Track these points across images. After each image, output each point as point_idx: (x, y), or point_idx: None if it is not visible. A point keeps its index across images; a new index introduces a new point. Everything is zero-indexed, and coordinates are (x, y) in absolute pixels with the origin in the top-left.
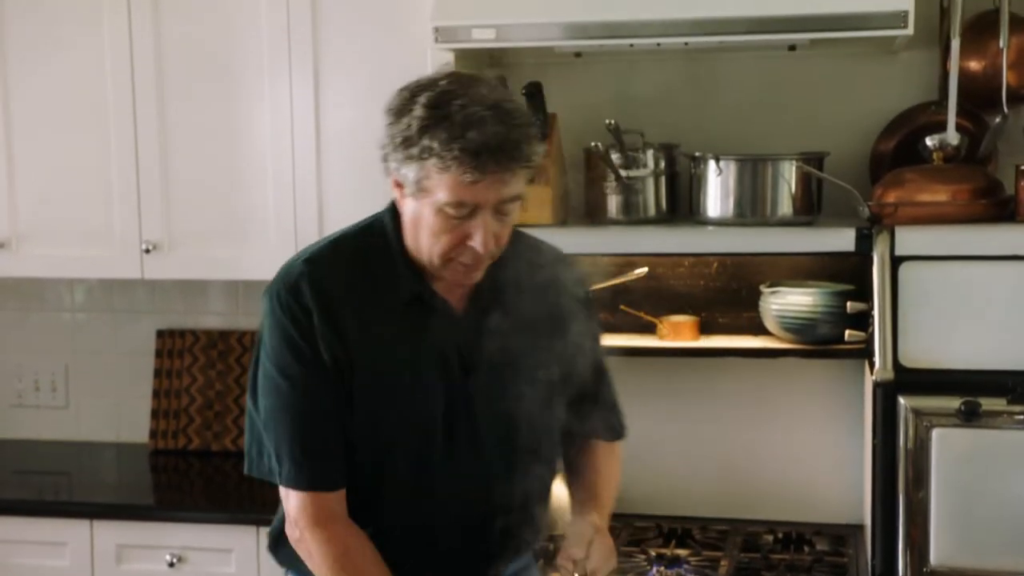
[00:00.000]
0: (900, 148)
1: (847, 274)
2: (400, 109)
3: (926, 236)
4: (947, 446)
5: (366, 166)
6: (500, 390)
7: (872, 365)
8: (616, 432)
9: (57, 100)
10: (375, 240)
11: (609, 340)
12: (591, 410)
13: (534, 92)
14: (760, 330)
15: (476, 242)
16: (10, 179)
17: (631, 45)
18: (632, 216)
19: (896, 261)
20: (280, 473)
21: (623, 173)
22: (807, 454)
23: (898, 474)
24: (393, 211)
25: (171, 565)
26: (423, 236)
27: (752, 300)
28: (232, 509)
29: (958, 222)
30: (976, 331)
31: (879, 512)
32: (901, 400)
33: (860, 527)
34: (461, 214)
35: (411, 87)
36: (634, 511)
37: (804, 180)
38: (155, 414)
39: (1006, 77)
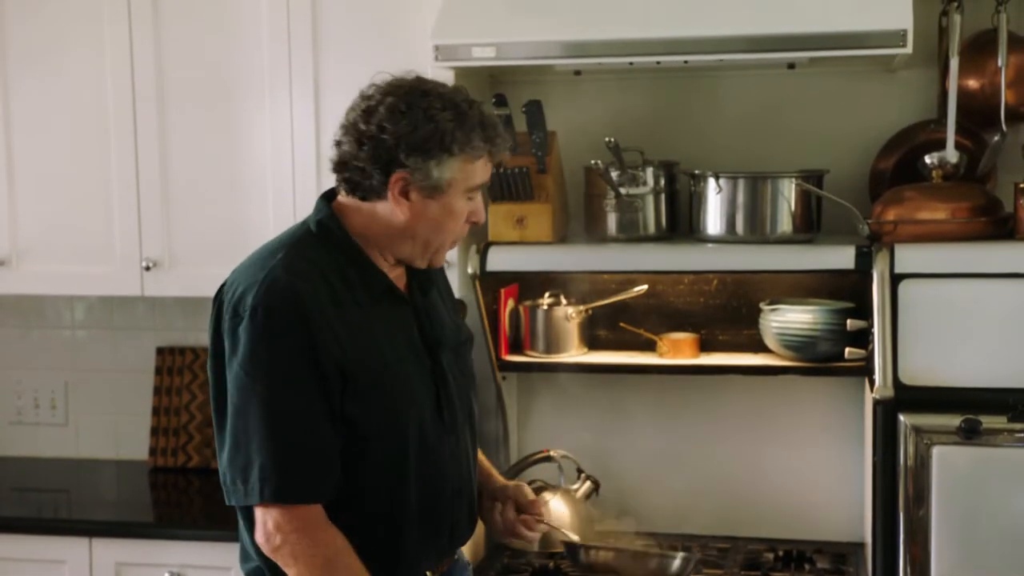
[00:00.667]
0: (899, 166)
1: (847, 292)
2: (411, 119)
3: (926, 254)
4: (948, 464)
5: None
6: (456, 364)
7: (872, 382)
8: None
9: (58, 117)
10: (328, 242)
11: (609, 358)
12: None
13: (534, 110)
14: (760, 347)
15: (481, 216)
16: (11, 196)
17: (631, 63)
18: (632, 234)
19: (896, 279)
20: (263, 490)
21: (623, 191)
22: (807, 471)
23: (898, 492)
24: (332, 216)
25: None
26: (437, 228)
27: (752, 317)
28: (231, 527)
29: (957, 240)
30: (976, 348)
31: (880, 530)
32: (901, 418)
33: (861, 545)
34: (477, 196)
35: (404, 99)
36: (634, 528)
37: (804, 198)
38: (155, 431)
39: (1005, 95)
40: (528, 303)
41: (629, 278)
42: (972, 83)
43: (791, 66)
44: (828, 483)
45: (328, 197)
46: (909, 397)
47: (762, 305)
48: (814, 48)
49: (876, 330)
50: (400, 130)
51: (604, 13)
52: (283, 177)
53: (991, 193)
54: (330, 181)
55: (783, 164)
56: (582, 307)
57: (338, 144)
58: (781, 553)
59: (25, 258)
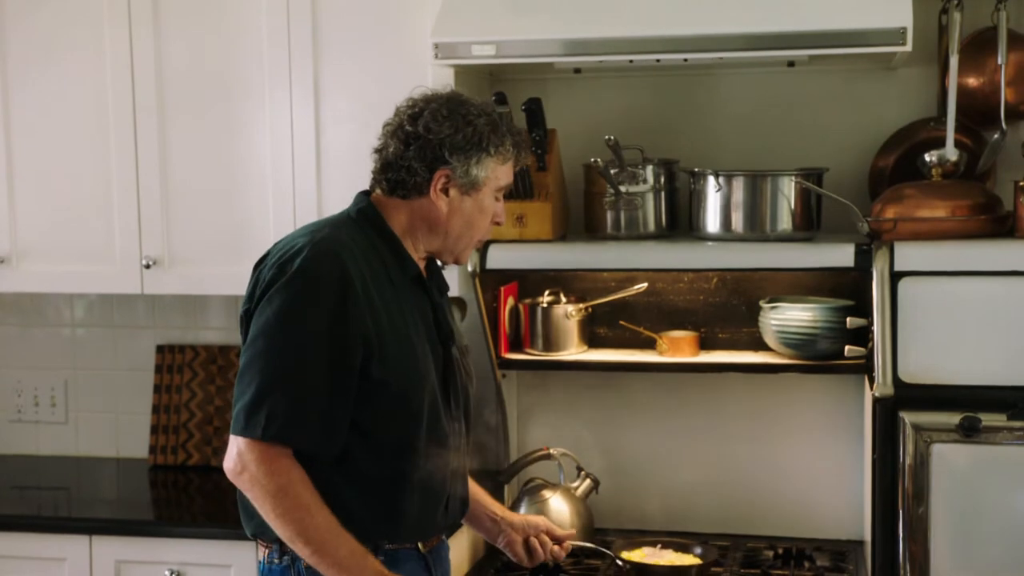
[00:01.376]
0: (899, 164)
1: (847, 290)
2: (454, 122)
3: (925, 252)
4: (947, 462)
5: (367, 182)
6: (461, 360)
7: (872, 380)
8: None
9: (58, 116)
10: (364, 229)
11: (609, 355)
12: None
13: (534, 108)
14: (760, 345)
15: (504, 216)
16: (10, 195)
17: (631, 61)
18: (631, 232)
19: (895, 277)
20: (266, 429)
21: (622, 189)
22: (807, 469)
23: (898, 490)
24: (372, 206)
25: None
26: (469, 224)
27: (752, 315)
28: (231, 525)
29: (957, 238)
30: (976, 346)
31: (879, 527)
32: (901, 415)
33: (860, 543)
34: (501, 196)
35: (447, 105)
36: (634, 527)
37: (803, 196)
38: (155, 429)
39: (1004, 93)
40: (528, 301)
41: (629, 276)
42: (972, 81)
43: (791, 64)
44: (828, 481)
45: (365, 194)
46: (909, 395)
47: (762, 303)
48: (814, 46)
49: (876, 328)
50: (444, 131)
51: (604, 11)
52: (283, 176)
53: (991, 191)
54: (329, 181)
55: (783, 162)
56: (582, 305)
57: (381, 149)
58: (781, 551)
59: (25, 256)
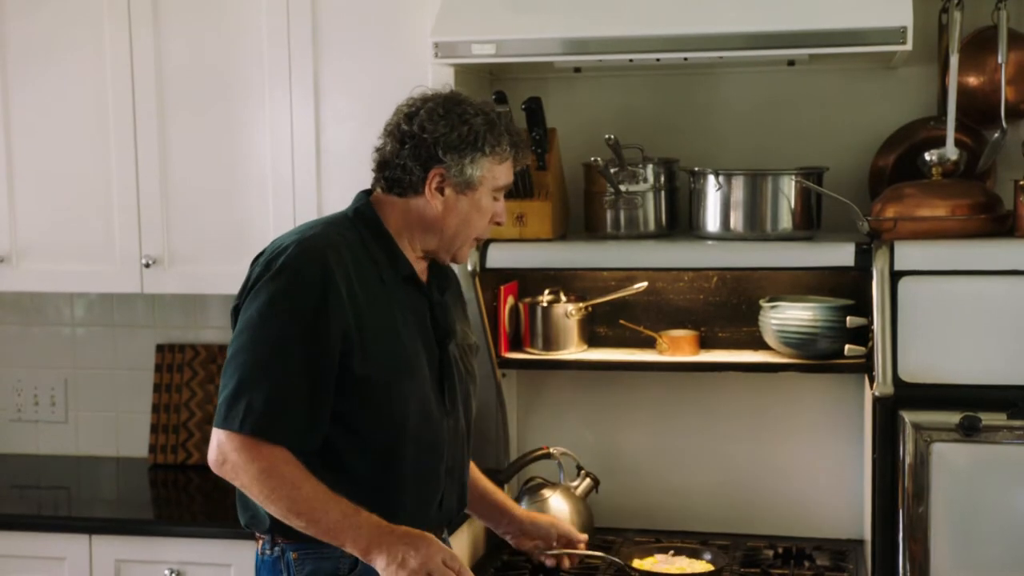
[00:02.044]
0: (899, 163)
1: (847, 289)
2: (449, 121)
3: (925, 251)
4: (947, 461)
5: (366, 181)
6: (461, 359)
7: (872, 380)
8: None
9: (58, 115)
10: (359, 228)
11: (609, 355)
12: None
13: (534, 107)
14: (760, 345)
15: (504, 217)
16: (10, 194)
17: (631, 60)
18: (631, 231)
19: (895, 276)
20: (244, 422)
21: (622, 188)
22: (807, 469)
23: (898, 489)
24: (369, 206)
25: None
26: (465, 223)
27: (752, 315)
28: (231, 524)
29: (957, 237)
30: (976, 346)
31: (879, 527)
32: (901, 415)
33: (860, 542)
34: (499, 196)
35: (443, 104)
36: (634, 525)
37: (803, 195)
38: (155, 428)
39: (1005, 92)
40: (528, 300)
41: (629, 275)
42: (972, 80)
43: (791, 63)
44: (828, 480)
45: (366, 193)
46: (909, 394)
47: (762, 302)
48: (814, 45)
49: (876, 327)
50: (439, 130)
51: (604, 10)
52: (283, 175)
53: (991, 190)
54: (329, 180)
55: (783, 161)
56: (582, 304)
57: (380, 148)
58: (780, 550)
59: (25, 256)
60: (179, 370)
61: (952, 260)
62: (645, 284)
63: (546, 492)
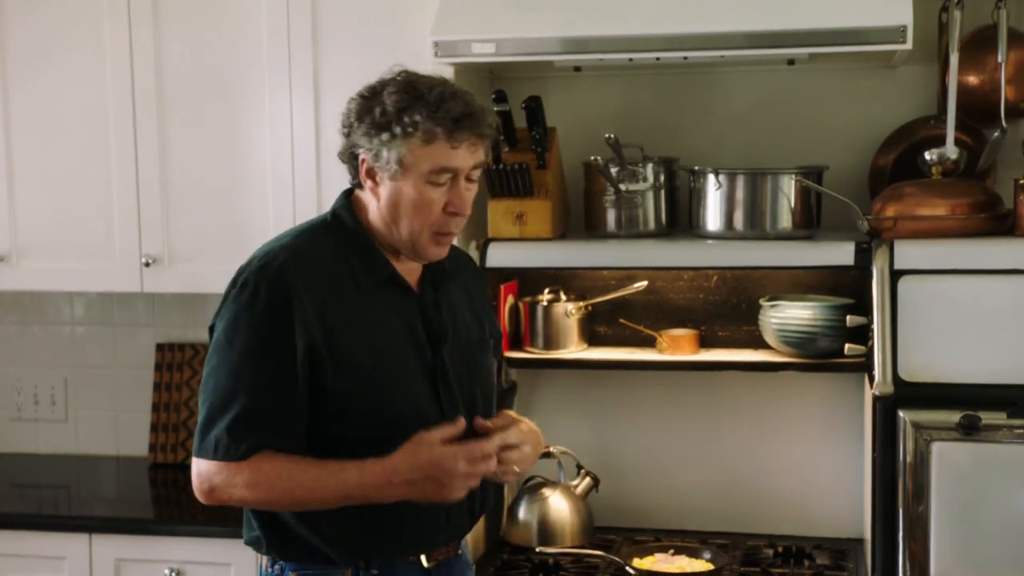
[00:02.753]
0: (899, 162)
1: (846, 288)
2: (367, 104)
3: (925, 250)
4: (947, 460)
5: None
6: (462, 359)
7: (872, 379)
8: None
9: (58, 114)
10: (337, 231)
11: (609, 354)
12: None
13: (534, 106)
14: (760, 344)
15: (459, 207)
16: (10, 193)
17: (631, 59)
18: (631, 230)
19: (895, 275)
20: (216, 449)
21: (622, 187)
22: (807, 468)
23: (898, 488)
24: (347, 207)
25: None
26: (404, 213)
27: (752, 314)
28: (231, 523)
29: (957, 236)
30: (976, 345)
31: (879, 526)
32: (901, 414)
33: (860, 541)
34: (442, 182)
35: (369, 87)
36: (634, 524)
37: (803, 194)
38: (154, 428)
39: (1004, 91)
40: (528, 299)
41: (629, 274)
42: (972, 79)
43: (791, 62)
44: (828, 479)
45: (347, 193)
46: (909, 393)
47: (762, 301)
48: (814, 44)
49: (876, 326)
50: (353, 115)
51: (604, 9)
52: (283, 174)
53: (991, 189)
54: (329, 178)
55: (783, 160)
56: (582, 303)
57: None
58: (780, 549)
59: (25, 254)
60: (179, 369)
61: (952, 259)
62: (645, 283)
63: (546, 491)
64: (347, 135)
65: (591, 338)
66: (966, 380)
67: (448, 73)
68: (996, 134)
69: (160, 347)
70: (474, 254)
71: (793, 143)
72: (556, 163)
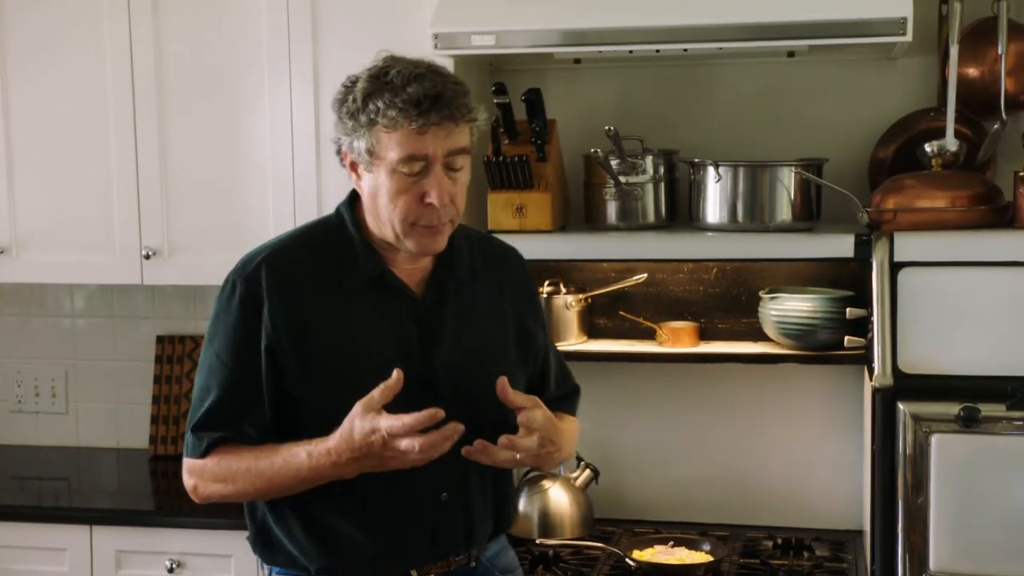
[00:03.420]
0: (899, 154)
1: (846, 280)
2: (344, 93)
3: (925, 242)
4: (946, 452)
5: None
6: (463, 367)
7: (871, 371)
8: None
9: (57, 106)
10: (334, 229)
11: (609, 346)
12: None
13: (534, 99)
14: (759, 336)
15: (433, 197)
16: (10, 185)
17: (630, 52)
18: (631, 222)
19: (895, 267)
20: (194, 447)
21: (622, 179)
22: (806, 460)
23: (897, 480)
24: (350, 202)
25: (170, 571)
26: (383, 205)
27: (751, 306)
28: (231, 515)
29: (957, 228)
30: (975, 337)
31: (878, 518)
32: (900, 406)
33: (860, 533)
34: (414, 170)
35: (351, 76)
36: (633, 516)
37: (803, 186)
38: (155, 420)
39: (1004, 84)
40: None
41: (628, 266)
42: (972, 71)
43: (791, 54)
44: (827, 471)
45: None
46: (908, 385)
47: (761, 293)
48: (814, 36)
49: (875, 318)
50: (336, 107)
51: (603, 1)
52: (282, 166)
53: (991, 181)
54: (329, 171)
55: (783, 152)
56: (582, 295)
57: None
58: (780, 541)
59: (25, 247)
60: (179, 361)
61: (952, 251)
62: (645, 275)
63: (546, 483)
64: (334, 128)
65: (591, 330)
66: (966, 372)
67: (448, 65)
68: (996, 126)
69: (160, 339)
70: None
71: (793, 135)
72: (556, 155)
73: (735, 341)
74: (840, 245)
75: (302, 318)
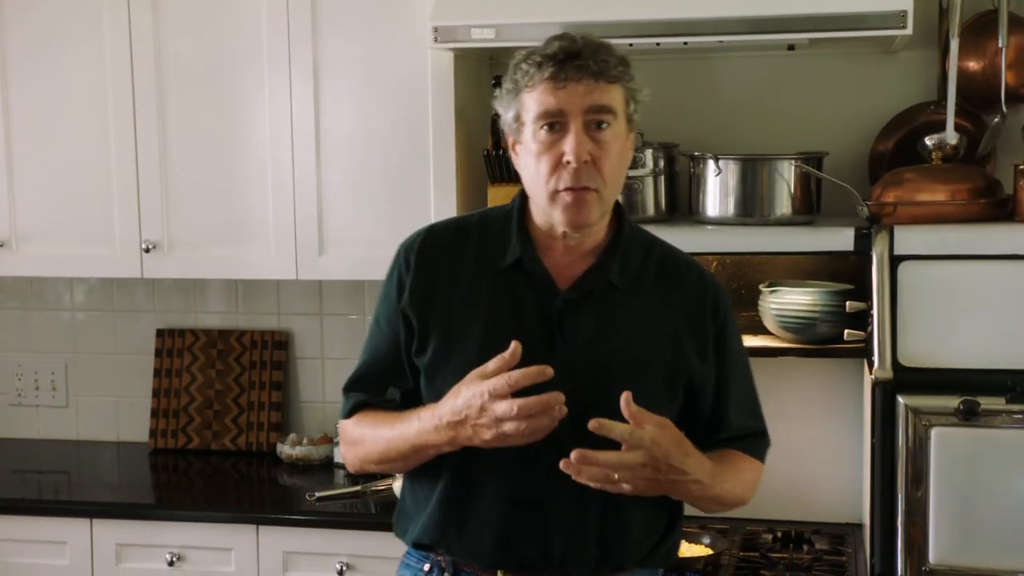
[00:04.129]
0: (899, 148)
1: (846, 274)
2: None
3: (925, 236)
4: (946, 445)
5: (365, 165)
6: (585, 374)
7: (871, 364)
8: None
9: (57, 100)
10: (503, 213)
11: None
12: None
13: None
14: (759, 329)
15: (568, 152)
16: (10, 179)
17: (630, 45)
18: (631, 215)
19: (895, 260)
20: (340, 405)
21: None
22: (806, 453)
23: (897, 473)
24: (521, 193)
25: (171, 564)
26: (530, 177)
27: (751, 299)
28: (231, 508)
29: (957, 222)
30: (975, 330)
31: (878, 511)
32: (900, 399)
33: (859, 526)
34: (553, 127)
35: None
36: None
37: (803, 180)
38: (155, 413)
39: (1005, 77)
40: None
41: None
42: (972, 64)
43: (791, 47)
44: (827, 464)
45: None
46: (908, 379)
47: (761, 287)
48: (814, 29)
49: (875, 312)
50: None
51: None
52: (282, 160)
53: (991, 175)
54: (329, 164)
55: (783, 146)
56: None
57: None
58: (779, 534)
59: (25, 240)
60: (179, 355)
61: (952, 245)
62: None
63: None
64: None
65: None
66: (965, 365)
67: (448, 58)
68: (996, 119)
69: (160, 333)
70: None
71: (793, 129)
72: None
73: None
74: (840, 238)
75: (432, 292)
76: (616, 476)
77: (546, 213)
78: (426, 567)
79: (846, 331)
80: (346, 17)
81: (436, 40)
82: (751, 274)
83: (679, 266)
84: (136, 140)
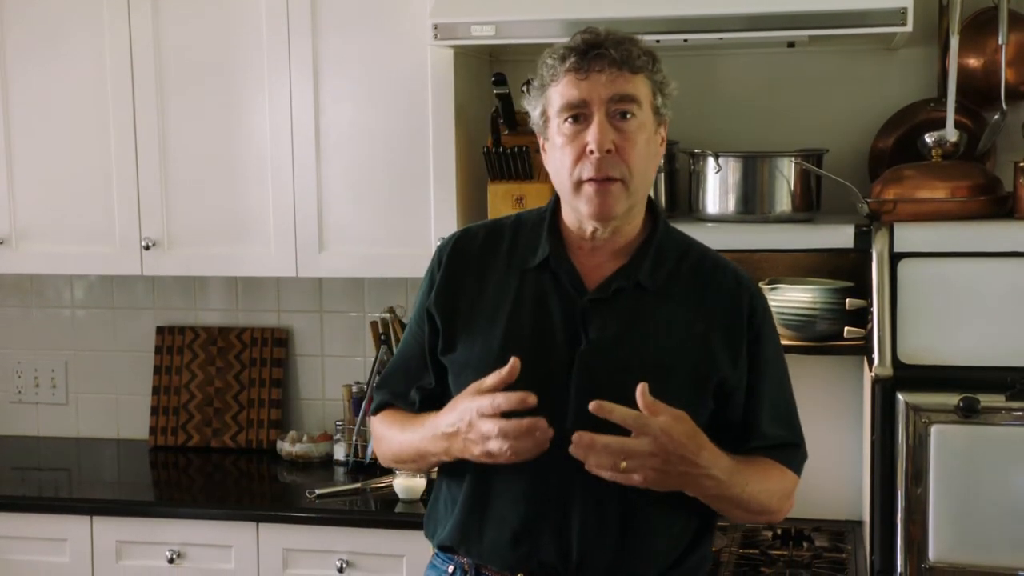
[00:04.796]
0: (899, 145)
1: (846, 271)
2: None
3: (925, 233)
4: (946, 442)
5: (365, 163)
6: (605, 374)
7: (871, 361)
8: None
9: (57, 97)
10: (538, 214)
11: None
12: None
13: None
14: None
15: (591, 141)
16: (10, 176)
17: None
18: None
19: (895, 258)
20: (375, 403)
21: None
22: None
23: (897, 470)
24: (556, 196)
25: (171, 561)
26: (556, 166)
27: None
28: (231, 505)
29: (957, 219)
30: (975, 327)
31: (878, 508)
32: (900, 396)
33: (859, 523)
34: (577, 118)
35: None
36: None
37: (803, 177)
38: (155, 411)
39: (1005, 74)
40: None
41: None
42: (972, 62)
43: (791, 45)
44: (827, 461)
45: None
46: (908, 376)
47: (761, 284)
48: (814, 26)
49: (875, 309)
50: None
51: None
52: (282, 157)
53: (991, 172)
54: (328, 161)
55: (782, 143)
56: None
57: None
58: (779, 531)
59: (25, 238)
60: (179, 352)
61: (952, 242)
62: None
63: None
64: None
65: None
66: (965, 363)
67: (448, 55)
68: (996, 117)
69: (160, 330)
70: None
71: (793, 126)
72: None
73: None
74: (840, 236)
75: (459, 291)
76: (624, 464)
77: (572, 207)
78: (450, 568)
79: (846, 328)
80: (346, 14)
81: (436, 37)
82: (751, 271)
83: (716, 268)
84: (136, 138)
